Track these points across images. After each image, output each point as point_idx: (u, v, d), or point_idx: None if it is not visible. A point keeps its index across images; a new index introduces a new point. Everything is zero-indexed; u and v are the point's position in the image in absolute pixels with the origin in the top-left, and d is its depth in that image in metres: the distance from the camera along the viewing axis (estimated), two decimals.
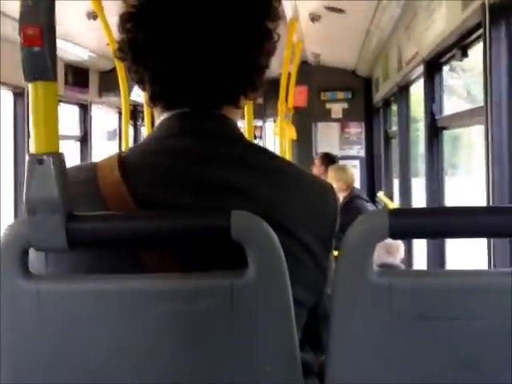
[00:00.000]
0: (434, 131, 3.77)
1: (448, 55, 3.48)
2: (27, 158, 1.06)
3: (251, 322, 1.04)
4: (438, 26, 3.41)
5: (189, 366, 1.06)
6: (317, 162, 7.06)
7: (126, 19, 1.22)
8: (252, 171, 1.18)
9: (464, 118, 3.32)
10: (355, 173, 6.86)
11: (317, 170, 6.87)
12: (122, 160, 1.20)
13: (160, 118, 1.26)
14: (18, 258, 1.05)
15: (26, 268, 1.07)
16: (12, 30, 4.79)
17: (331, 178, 5.97)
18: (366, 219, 1.04)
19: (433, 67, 3.79)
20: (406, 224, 1.02)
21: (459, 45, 3.14)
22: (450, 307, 1.01)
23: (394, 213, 1.01)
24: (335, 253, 1.14)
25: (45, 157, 1.05)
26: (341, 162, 7.05)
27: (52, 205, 1.04)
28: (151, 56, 1.20)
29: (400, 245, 4.57)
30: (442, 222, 1.03)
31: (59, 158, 1.06)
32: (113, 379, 1.08)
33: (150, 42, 1.19)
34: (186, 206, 1.14)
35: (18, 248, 1.05)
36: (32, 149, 1.07)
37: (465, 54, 3.12)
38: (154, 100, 1.25)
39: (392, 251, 4.61)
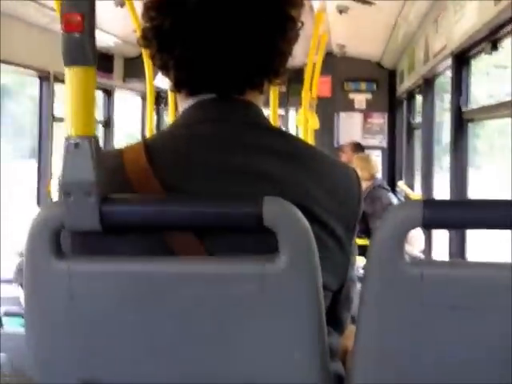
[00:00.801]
0: (460, 124, 3.75)
1: (477, 49, 3.46)
2: (64, 141, 1.08)
3: (282, 308, 1.05)
4: (468, 19, 3.39)
5: (218, 351, 1.08)
6: (348, 149, 7.08)
7: (150, 7, 1.23)
8: (278, 157, 1.19)
9: (491, 111, 3.30)
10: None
11: (346, 157, 6.89)
12: (148, 146, 1.21)
13: (184, 104, 1.27)
14: (52, 239, 1.07)
15: (59, 248, 1.08)
16: (37, 15, 4.82)
17: (355, 166, 5.97)
18: (400, 209, 1.05)
19: (461, 60, 3.76)
20: (439, 215, 1.02)
21: (489, 38, 3.12)
22: (481, 298, 1.02)
23: (427, 203, 1.02)
24: (359, 241, 1.15)
25: (81, 140, 1.07)
26: (360, 153, 7.05)
27: (87, 187, 1.06)
28: (176, 43, 1.21)
29: (421, 235, 4.55)
30: (473, 214, 1.03)
31: (95, 142, 1.08)
32: (142, 361, 1.09)
33: (174, 30, 1.20)
34: (212, 193, 1.15)
35: (51, 228, 1.07)
36: (68, 133, 1.08)
37: (494, 48, 3.10)
38: (178, 86, 1.26)
39: (412, 241, 4.59)
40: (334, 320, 1.26)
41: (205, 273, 1.07)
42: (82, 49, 1.06)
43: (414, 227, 1.01)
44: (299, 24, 1.26)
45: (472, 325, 1.03)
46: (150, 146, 1.21)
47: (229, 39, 1.19)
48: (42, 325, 1.11)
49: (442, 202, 1.08)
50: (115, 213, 1.08)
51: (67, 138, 1.08)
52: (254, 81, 1.25)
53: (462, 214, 1.04)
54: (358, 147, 7.08)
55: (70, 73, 1.08)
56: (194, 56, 1.21)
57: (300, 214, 1.04)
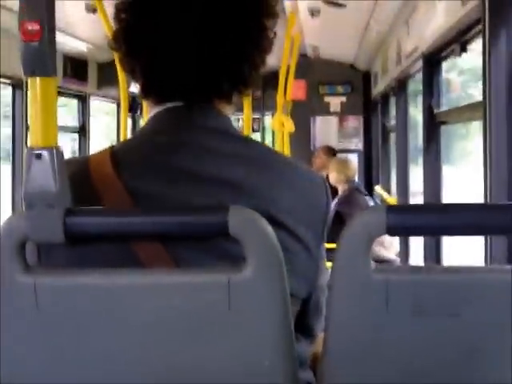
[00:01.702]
0: (433, 126, 3.77)
1: (447, 50, 3.48)
2: (26, 152, 1.07)
3: (249, 316, 1.04)
4: (437, 20, 3.40)
5: (186, 361, 1.07)
6: (321, 153, 7.12)
7: (120, 9, 1.22)
8: (245, 165, 1.18)
9: (463, 113, 3.32)
10: None
11: (320, 161, 6.93)
12: (114, 153, 1.20)
13: (152, 111, 1.26)
14: (16, 251, 1.06)
15: (24, 261, 1.07)
16: (10, 22, 4.77)
17: (333, 169, 6.00)
18: (364, 215, 1.04)
19: (432, 62, 3.78)
20: (403, 221, 1.02)
21: (459, 40, 3.14)
22: (447, 303, 1.02)
23: (391, 209, 1.01)
24: (331, 245, 1.14)
25: (43, 151, 1.06)
26: (339, 156, 7.08)
27: (50, 199, 1.05)
28: (142, 48, 1.20)
29: (395, 238, 4.57)
30: (439, 220, 1.03)
31: (57, 153, 1.06)
32: (109, 374, 1.08)
33: (141, 34, 1.19)
34: (179, 201, 1.14)
35: (16, 241, 1.06)
36: (30, 143, 1.07)
37: (464, 50, 3.11)
38: (145, 92, 1.25)
39: (387, 245, 4.61)
40: (304, 327, 1.26)
41: (171, 283, 1.06)
42: (42, 58, 1.04)
43: (379, 234, 1.01)
44: (273, 34, 1.25)
45: (436, 330, 1.03)
46: (115, 152, 1.20)
47: (198, 47, 1.18)
48: (9, 338, 1.10)
49: (407, 208, 1.08)
50: (79, 224, 1.07)
51: (29, 149, 1.06)
52: (223, 91, 1.24)
53: (428, 220, 1.03)
54: (331, 150, 7.15)
55: (30, 83, 1.06)
56: (161, 63, 1.19)
57: (265, 222, 1.04)
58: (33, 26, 1.02)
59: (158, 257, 1.11)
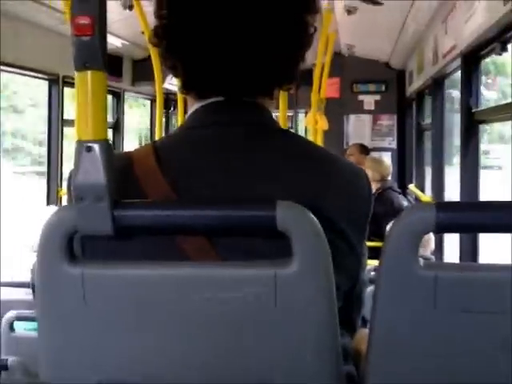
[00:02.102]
0: (471, 125, 3.73)
1: (487, 49, 3.44)
2: (75, 145, 1.08)
3: (295, 311, 1.05)
4: (477, 18, 3.37)
5: (231, 354, 1.07)
6: (354, 151, 7.09)
7: (161, 5, 1.22)
8: (288, 159, 1.19)
9: (501, 112, 3.29)
10: None
11: (354, 158, 6.90)
12: (156, 148, 1.21)
13: (194, 106, 1.26)
14: (65, 243, 1.07)
15: (72, 253, 1.08)
16: (45, 17, 4.82)
17: (367, 167, 5.97)
18: (413, 212, 1.04)
19: (471, 60, 3.75)
20: (452, 218, 1.02)
21: (499, 39, 3.10)
22: (495, 301, 1.01)
23: (441, 206, 1.01)
24: (369, 243, 1.14)
25: (93, 144, 1.07)
26: (372, 154, 7.05)
27: (99, 192, 1.06)
28: (184, 44, 1.19)
29: (431, 237, 4.53)
30: (488, 217, 1.02)
31: (107, 146, 1.07)
32: (156, 365, 1.09)
33: (183, 30, 1.19)
34: (221, 195, 1.14)
35: (64, 233, 1.07)
36: (78, 136, 1.08)
37: (505, 48, 3.08)
38: (187, 88, 1.25)
39: (423, 243, 4.58)
40: (346, 322, 1.26)
41: (217, 277, 1.06)
42: (93, 52, 1.05)
43: (427, 231, 1.01)
44: (313, 30, 1.25)
45: (485, 327, 1.02)
46: (158, 148, 1.21)
47: (241, 44, 1.17)
48: (55, 329, 1.11)
49: (456, 205, 1.07)
50: (127, 217, 1.07)
51: (79, 142, 1.07)
52: (265, 87, 1.24)
53: (478, 217, 1.02)
54: (364, 149, 7.12)
55: (80, 77, 1.07)
56: (203, 58, 1.19)
57: (313, 217, 1.04)
58: (85, 20, 1.03)
59: (203, 251, 1.11)
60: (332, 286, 1.05)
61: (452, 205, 1.06)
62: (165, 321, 1.07)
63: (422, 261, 1.02)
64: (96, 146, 1.06)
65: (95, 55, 1.05)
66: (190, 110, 1.27)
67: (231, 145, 1.19)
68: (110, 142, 1.10)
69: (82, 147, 1.07)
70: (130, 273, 1.08)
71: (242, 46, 1.17)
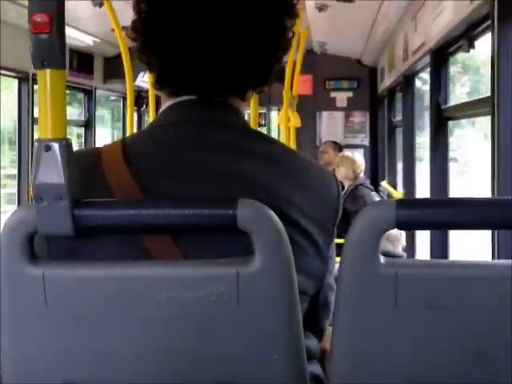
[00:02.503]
0: (440, 121, 3.76)
1: (455, 46, 3.47)
2: (34, 144, 1.07)
3: (257, 309, 1.04)
4: (446, 15, 3.40)
5: (194, 353, 1.07)
6: (328, 148, 7.11)
7: (140, 0, 1.21)
8: (257, 159, 1.18)
9: (470, 109, 3.31)
10: None
11: (327, 156, 6.92)
12: (126, 146, 1.20)
13: (165, 103, 1.25)
14: (25, 243, 1.06)
15: (32, 253, 1.07)
16: (15, 15, 4.77)
17: (340, 164, 5.99)
18: (374, 209, 1.04)
19: (439, 57, 3.77)
20: (413, 215, 1.02)
21: (467, 36, 3.13)
22: (455, 297, 1.01)
23: (401, 203, 1.01)
24: (340, 241, 1.14)
25: (52, 143, 1.05)
26: (345, 151, 7.07)
27: (59, 191, 1.05)
28: (161, 39, 1.19)
29: (401, 233, 4.56)
30: (449, 214, 1.03)
31: (66, 145, 1.06)
32: (117, 365, 1.08)
33: (161, 25, 1.18)
34: (189, 195, 1.14)
35: (24, 233, 1.06)
36: (39, 135, 1.07)
37: (472, 46, 3.11)
38: (160, 84, 1.25)
39: (393, 240, 4.60)
40: (313, 325, 1.26)
41: (180, 276, 1.06)
42: (52, 50, 1.03)
43: (388, 228, 1.01)
44: (291, 34, 1.24)
45: (446, 324, 1.02)
46: (127, 145, 1.20)
47: (217, 44, 1.17)
48: (17, 330, 1.10)
49: (417, 202, 1.08)
50: (88, 217, 1.06)
51: (38, 141, 1.06)
52: (239, 88, 1.24)
53: (438, 214, 1.03)
54: (338, 146, 7.15)
55: (40, 75, 1.06)
56: (177, 55, 1.19)
57: (274, 215, 1.04)
58: (42, 18, 1.01)
59: (167, 250, 1.11)
60: (294, 283, 1.05)
61: (413, 202, 1.07)
62: (127, 321, 1.06)
63: (382, 258, 1.02)
64: (55, 145, 1.05)
65: (53, 53, 1.04)
66: (162, 107, 1.26)
67: (200, 144, 1.19)
68: (70, 140, 1.08)
69: (41, 146, 1.05)
70: (91, 273, 1.07)
71: (218, 46, 1.17)
